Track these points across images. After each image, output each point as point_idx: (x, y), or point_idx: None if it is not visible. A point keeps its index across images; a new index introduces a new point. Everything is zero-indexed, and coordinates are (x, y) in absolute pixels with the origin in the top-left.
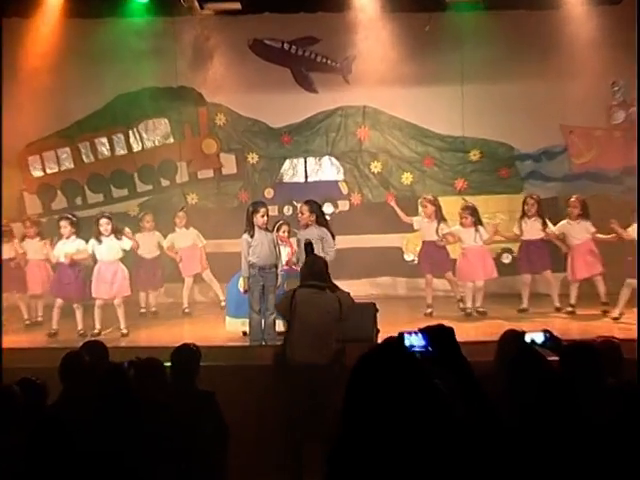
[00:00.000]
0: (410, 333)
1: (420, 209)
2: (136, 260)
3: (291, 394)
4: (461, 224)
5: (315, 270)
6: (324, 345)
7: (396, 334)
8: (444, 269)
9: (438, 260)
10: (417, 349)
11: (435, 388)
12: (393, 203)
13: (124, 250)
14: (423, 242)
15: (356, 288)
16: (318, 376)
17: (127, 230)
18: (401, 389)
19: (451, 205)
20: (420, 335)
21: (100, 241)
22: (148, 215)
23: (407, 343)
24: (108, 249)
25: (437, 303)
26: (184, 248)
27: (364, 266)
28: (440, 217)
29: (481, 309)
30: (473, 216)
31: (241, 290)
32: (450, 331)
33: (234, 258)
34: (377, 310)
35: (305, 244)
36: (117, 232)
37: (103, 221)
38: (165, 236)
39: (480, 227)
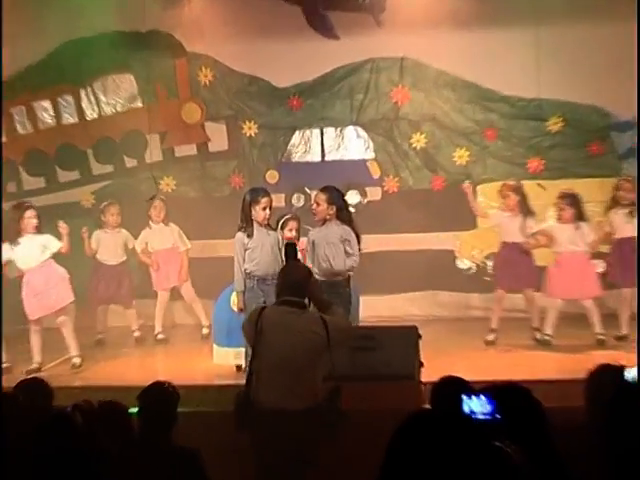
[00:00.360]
0: (470, 395)
1: (479, 199)
2: (95, 267)
3: (262, 448)
4: (558, 218)
5: (292, 281)
6: (302, 384)
7: (448, 373)
8: (528, 282)
9: (521, 269)
10: (480, 416)
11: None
12: (468, 189)
13: (50, 249)
14: (503, 244)
15: (391, 306)
16: (295, 425)
17: (62, 225)
18: (455, 469)
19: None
20: (484, 398)
21: (17, 243)
22: (113, 206)
23: (466, 409)
24: (28, 250)
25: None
26: (160, 251)
27: (402, 276)
28: (526, 210)
29: (601, 336)
30: (574, 207)
31: (234, 309)
32: (526, 394)
33: (224, 266)
34: (420, 336)
35: (286, 245)
36: (40, 228)
37: (30, 213)
38: (135, 235)
39: (583, 223)
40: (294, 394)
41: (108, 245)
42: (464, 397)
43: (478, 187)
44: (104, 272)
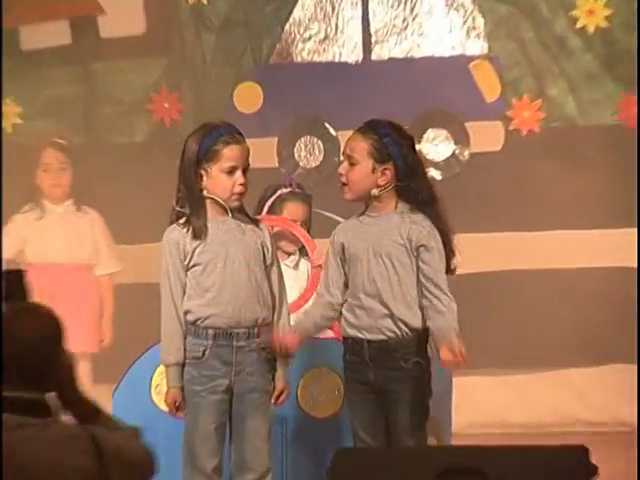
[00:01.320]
0: None
1: None
2: None
3: None
4: None
5: (15, 351)
6: None
7: None
8: None
9: None
10: None
11: None
12: None
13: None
14: None
15: (525, 399)
16: None
17: None
18: None
19: None
20: None
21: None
22: None
23: None
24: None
25: None
26: (56, 268)
27: (549, 334)
28: None
29: None
30: None
31: (159, 406)
32: None
33: (137, 305)
34: (595, 470)
35: (6, 272)
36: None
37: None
38: None
39: None
40: None
41: None
42: None
43: None
44: None
